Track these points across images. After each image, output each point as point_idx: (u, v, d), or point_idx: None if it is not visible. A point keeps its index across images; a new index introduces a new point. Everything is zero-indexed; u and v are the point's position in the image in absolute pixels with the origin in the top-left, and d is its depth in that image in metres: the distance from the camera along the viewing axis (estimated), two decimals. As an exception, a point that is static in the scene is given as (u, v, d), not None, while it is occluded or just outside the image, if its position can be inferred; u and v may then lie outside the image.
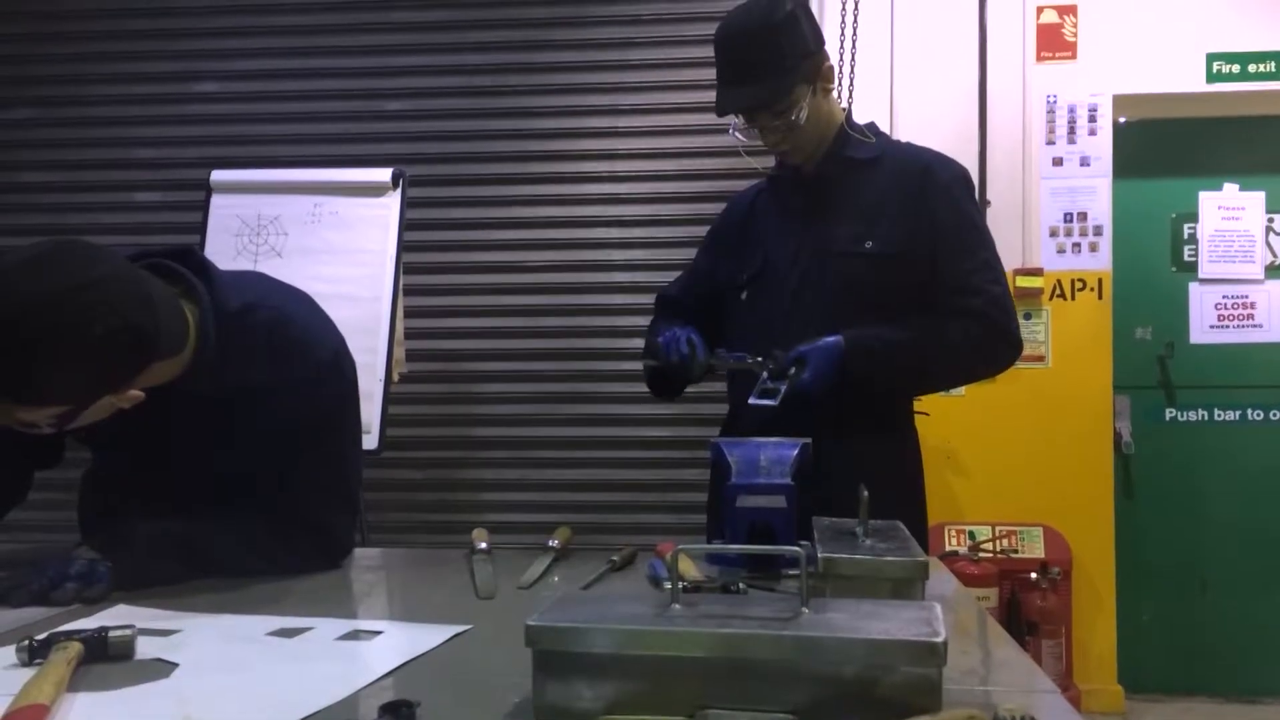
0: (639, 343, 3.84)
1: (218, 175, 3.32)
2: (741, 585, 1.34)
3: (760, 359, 1.92)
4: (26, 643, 1.10)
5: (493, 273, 3.74)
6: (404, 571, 1.68)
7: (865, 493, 1.35)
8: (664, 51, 3.63)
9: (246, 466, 1.65)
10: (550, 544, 1.69)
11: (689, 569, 1.50)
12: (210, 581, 1.51)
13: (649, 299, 3.78)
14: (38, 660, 1.09)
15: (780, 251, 2.06)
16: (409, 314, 3.34)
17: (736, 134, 2.08)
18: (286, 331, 1.60)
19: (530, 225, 3.73)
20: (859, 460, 1.77)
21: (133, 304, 1.34)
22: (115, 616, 1.30)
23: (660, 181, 3.65)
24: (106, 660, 1.10)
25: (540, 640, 0.90)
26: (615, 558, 1.61)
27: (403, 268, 3.19)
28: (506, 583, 1.50)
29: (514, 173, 3.72)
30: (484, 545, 1.69)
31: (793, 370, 1.88)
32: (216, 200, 3.31)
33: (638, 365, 3.73)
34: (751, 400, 1.87)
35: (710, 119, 3.62)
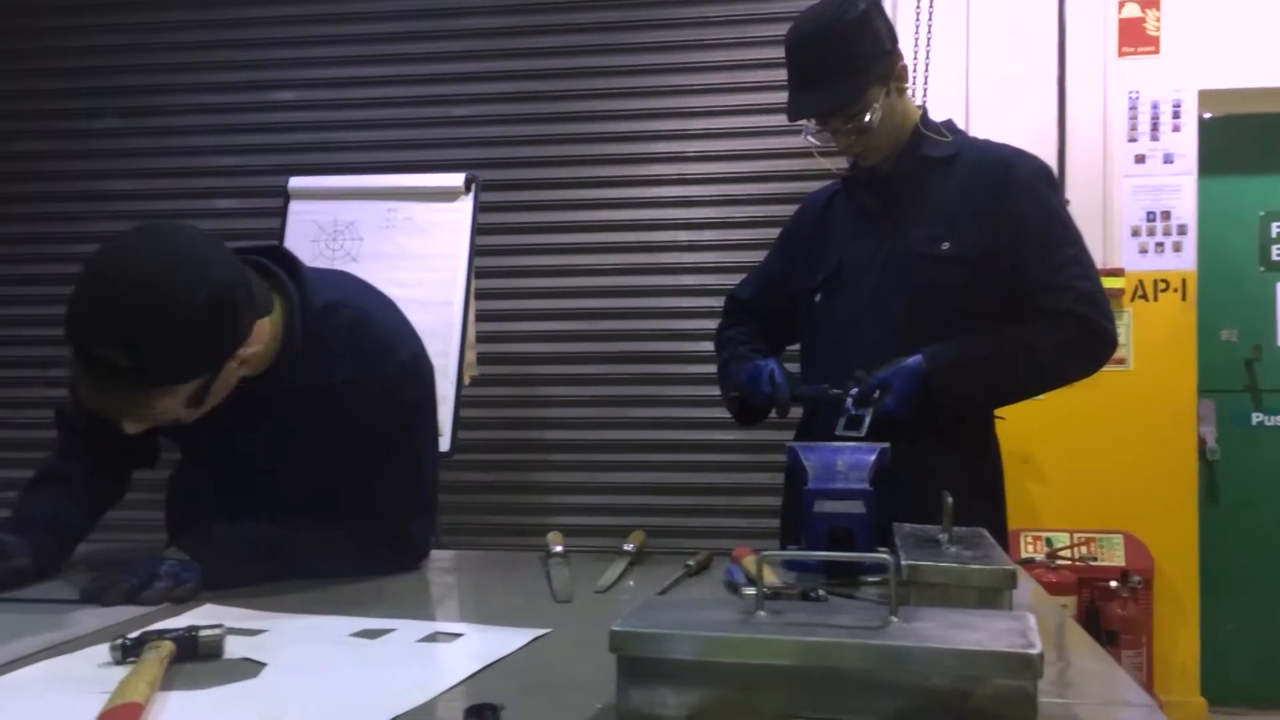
0: (707, 346, 3.84)
1: (295, 182, 3.38)
2: (821, 592, 1.33)
3: (842, 390, 1.88)
4: (120, 641, 1.12)
5: (561, 276, 3.76)
6: (480, 574, 1.69)
7: (950, 499, 1.32)
8: (734, 53, 3.61)
9: (326, 466, 1.67)
10: (625, 548, 1.69)
11: (767, 575, 1.49)
12: (292, 582, 1.54)
13: (718, 302, 3.76)
14: (130, 659, 1.11)
15: (856, 254, 2.03)
16: (479, 318, 3.36)
17: (809, 137, 2.06)
18: (368, 332, 1.62)
19: (599, 228, 3.74)
20: (938, 466, 1.73)
21: (221, 266, 1.40)
22: (203, 616, 1.32)
23: (731, 184, 3.64)
24: (196, 659, 1.12)
25: (625, 646, 0.90)
26: (691, 563, 1.60)
27: (474, 272, 3.22)
28: (583, 586, 1.50)
29: (583, 176, 3.73)
30: (559, 548, 1.69)
31: (876, 395, 1.85)
32: (294, 206, 3.37)
33: (706, 368, 3.75)
34: (838, 432, 1.84)
35: (782, 120, 3.59)
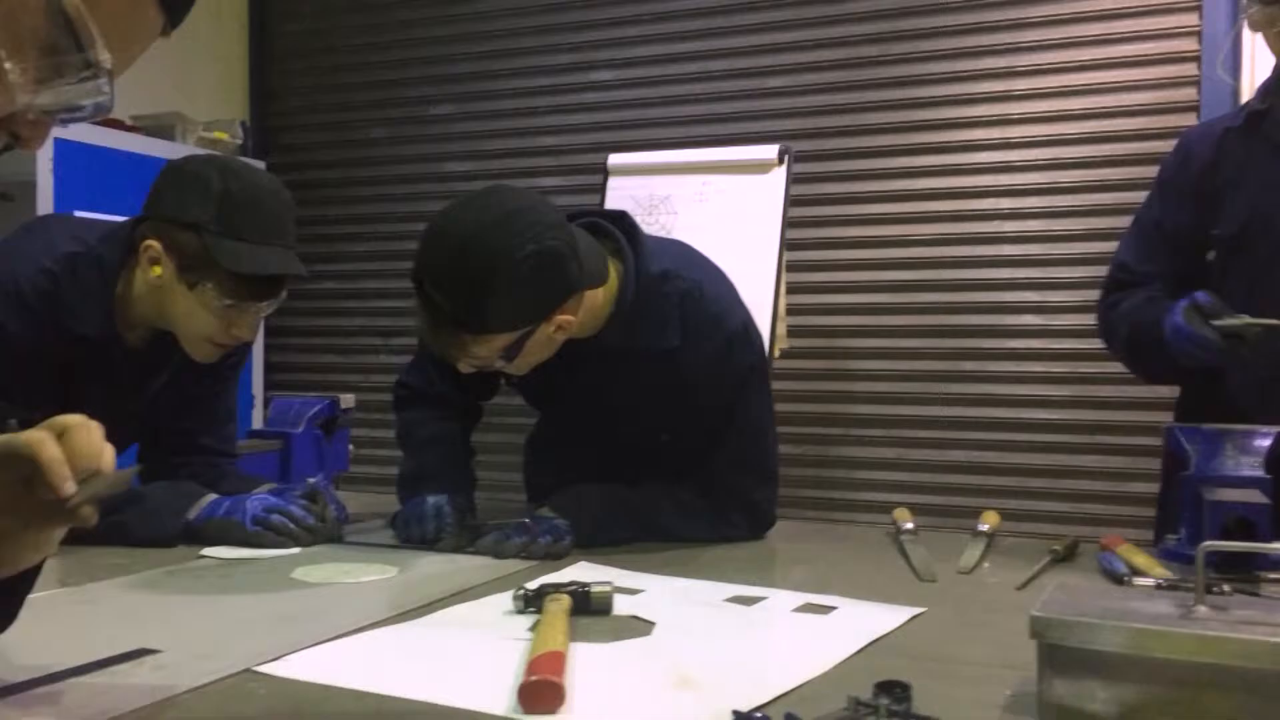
0: (1030, 319, 3.66)
1: (614, 159, 3.48)
2: (1226, 587, 1.22)
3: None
4: (521, 592, 1.20)
5: (874, 247, 3.67)
6: (826, 546, 1.68)
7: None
8: (1063, 6, 3.38)
9: (663, 432, 1.71)
10: (980, 529, 1.63)
11: (1152, 565, 1.39)
12: (651, 544, 1.59)
13: (1042, 272, 3.59)
14: (531, 609, 1.18)
15: (1273, 203, 1.72)
16: (790, 290, 3.34)
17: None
18: (699, 302, 1.64)
19: (914, 198, 3.61)
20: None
21: (553, 230, 1.46)
22: (580, 572, 1.39)
23: (1058, 146, 3.41)
24: (588, 614, 1.18)
25: (1048, 632, 0.86)
26: (1057, 548, 1.52)
27: (785, 244, 3.20)
28: (941, 566, 1.46)
29: (898, 144, 3.62)
30: (910, 525, 1.65)
31: None
32: (613, 182, 3.48)
33: (1028, 343, 3.56)
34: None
35: (1124, 75, 3.33)
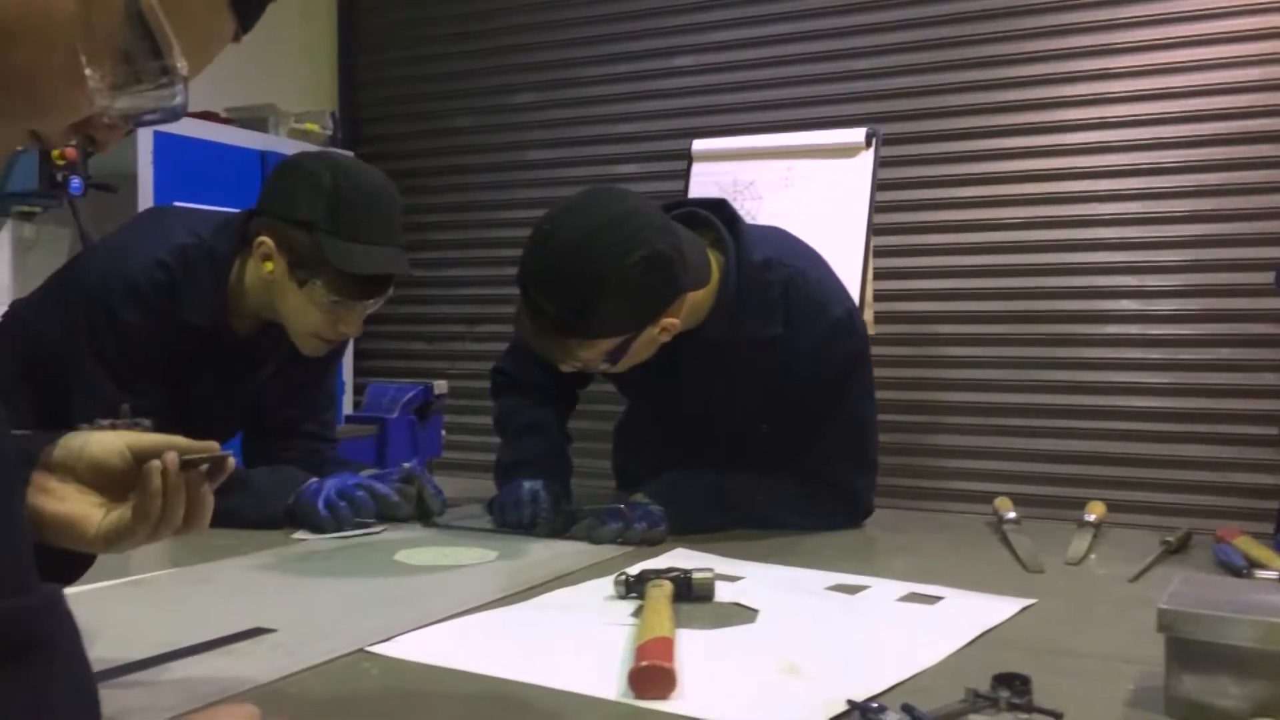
0: (1128, 304, 3.55)
1: (698, 145, 3.46)
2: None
3: None
4: (622, 577, 1.20)
5: (963, 232, 3.60)
6: (926, 535, 1.65)
7: None
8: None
9: (763, 421, 1.70)
10: (1087, 519, 1.59)
11: (1271, 558, 1.33)
12: (746, 532, 1.58)
13: (1140, 256, 3.48)
14: (632, 594, 1.18)
15: None
16: (876, 276, 3.29)
17: None
18: (802, 289, 1.62)
19: (1005, 180, 3.53)
20: None
21: (660, 234, 1.45)
22: (677, 559, 1.38)
23: (1160, 126, 3.30)
24: (690, 600, 1.17)
25: (1176, 626, 0.83)
26: (1170, 539, 1.47)
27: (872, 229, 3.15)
28: (1047, 557, 1.42)
29: (990, 125, 3.54)
30: (1012, 515, 1.62)
31: None
32: (696, 168, 3.46)
33: (1125, 328, 3.45)
34: None
35: (1231, 51, 3.20)
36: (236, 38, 0.67)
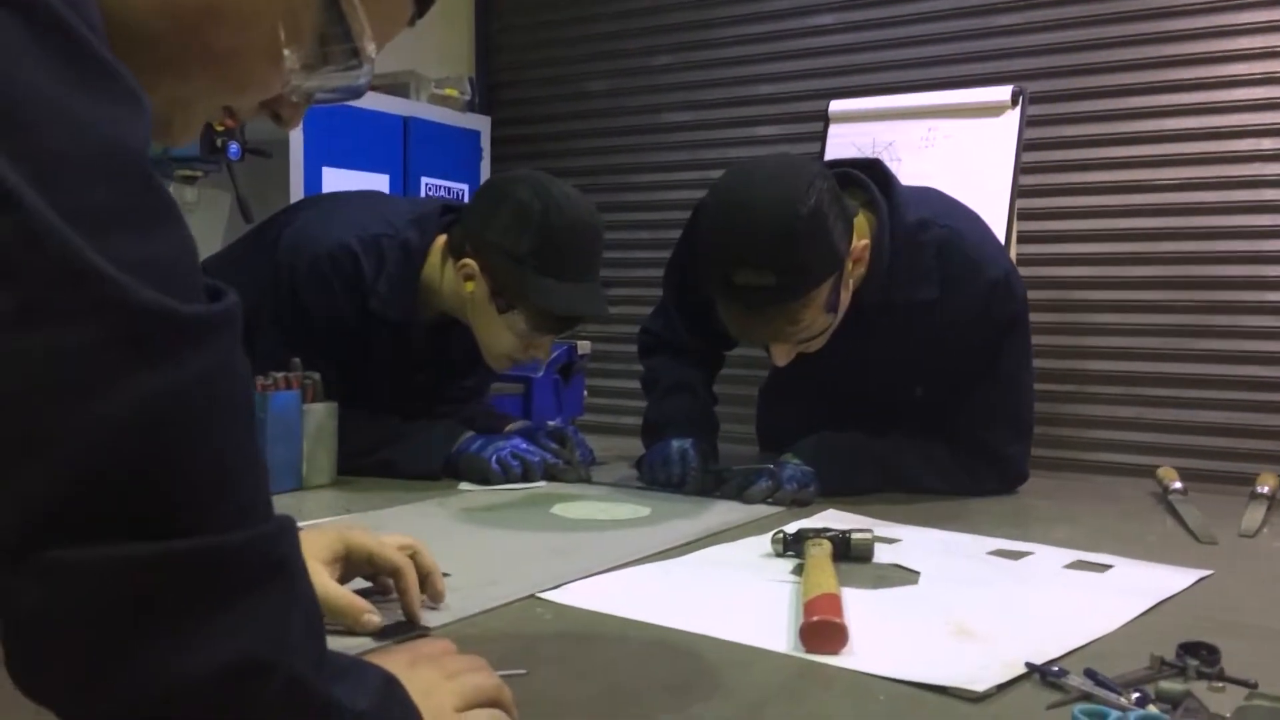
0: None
1: (836, 105, 3.40)
2: None
3: None
4: (780, 535, 1.21)
5: (1113, 193, 3.45)
6: (1087, 503, 1.61)
7: None
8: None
9: (916, 384, 1.67)
10: (1260, 490, 1.52)
11: None
12: (898, 496, 1.56)
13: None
14: (789, 553, 1.19)
15: None
16: (1020, 240, 3.19)
17: None
18: (958, 250, 1.58)
19: (1160, 139, 3.36)
20: None
21: (814, 163, 1.48)
22: (831, 520, 1.38)
23: (1335, 79, 3.10)
24: (848, 560, 1.17)
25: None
26: (1355, 513, 1.40)
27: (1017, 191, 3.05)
28: (1220, 529, 1.37)
29: (1145, 82, 3.37)
30: (1178, 485, 1.56)
31: None
32: (834, 129, 3.40)
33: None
34: None
35: None
36: (411, 22, 0.70)
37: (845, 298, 1.51)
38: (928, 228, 1.58)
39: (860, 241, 1.48)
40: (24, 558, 0.44)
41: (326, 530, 0.93)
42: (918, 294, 1.57)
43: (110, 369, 0.44)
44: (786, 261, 1.38)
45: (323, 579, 0.87)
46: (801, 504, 1.48)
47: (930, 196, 1.70)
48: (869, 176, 1.60)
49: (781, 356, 1.51)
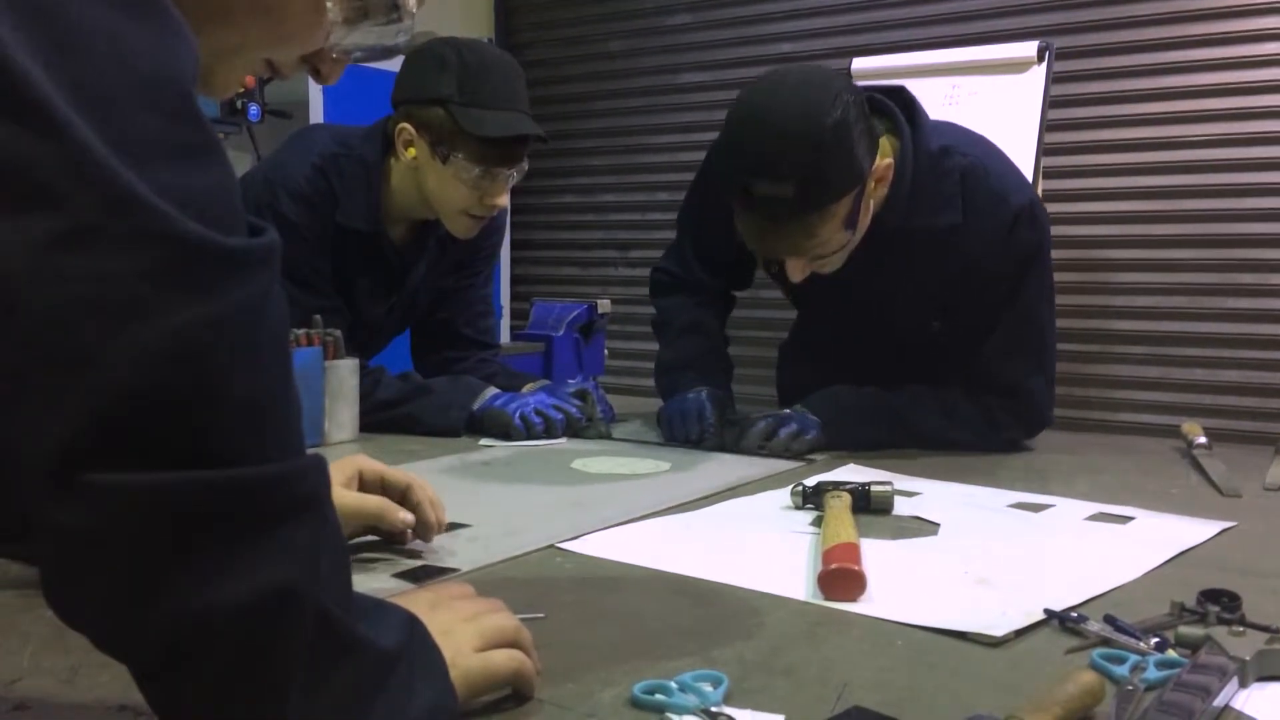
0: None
1: (858, 64, 3.36)
2: None
3: None
4: (799, 488, 1.21)
5: (1139, 150, 3.40)
6: (1109, 458, 1.60)
7: None
8: None
9: (935, 318, 1.65)
10: (1285, 445, 1.51)
11: None
12: (916, 451, 1.56)
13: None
14: (809, 505, 1.19)
15: None
16: (1045, 198, 3.16)
17: None
18: (982, 179, 1.56)
19: (1187, 95, 3.31)
20: None
21: (841, 77, 1.44)
22: (852, 473, 1.38)
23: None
24: (868, 512, 1.17)
25: None
26: (1381, 468, 1.39)
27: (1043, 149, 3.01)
28: (1245, 482, 1.36)
29: (1173, 36, 3.32)
30: (1203, 440, 1.55)
31: None
32: (856, 88, 3.37)
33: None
34: None
35: None
36: None
37: (865, 218, 1.49)
38: (951, 155, 1.56)
39: (884, 160, 1.46)
40: (64, 480, 0.44)
41: (340, 460, 0.97)
42: (940, 219, 1.54)
43: (152, 297, 0.44)
44: (807, 172, 1.35)
45: (351, 492, 0.95)
46: (799, 452, 1.48)
47: (955, 128, 1.68)
48: (894, 103, 1.58)
49: (796, 272, 1.49)
